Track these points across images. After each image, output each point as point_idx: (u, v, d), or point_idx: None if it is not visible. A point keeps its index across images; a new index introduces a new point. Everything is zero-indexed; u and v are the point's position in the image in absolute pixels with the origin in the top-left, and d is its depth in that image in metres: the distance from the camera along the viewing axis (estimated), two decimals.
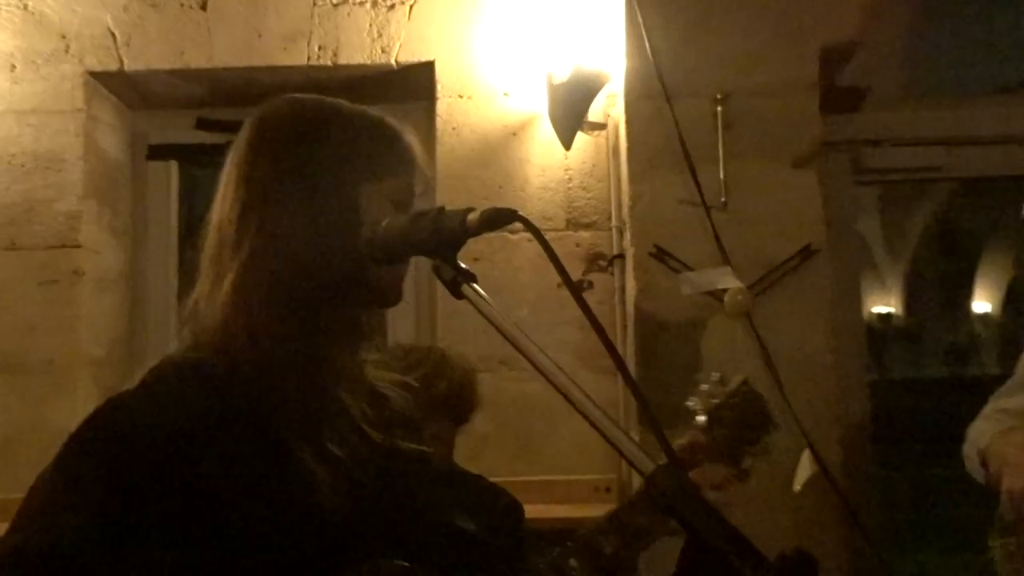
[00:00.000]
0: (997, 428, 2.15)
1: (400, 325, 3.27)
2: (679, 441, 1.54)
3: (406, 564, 1.25)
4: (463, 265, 1.10)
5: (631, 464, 0.86)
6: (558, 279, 2.99)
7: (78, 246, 3.06)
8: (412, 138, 1.37)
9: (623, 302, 2.93)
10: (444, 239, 1.10)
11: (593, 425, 0.89)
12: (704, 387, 1.59)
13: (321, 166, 1.28)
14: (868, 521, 2.89)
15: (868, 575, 2.92)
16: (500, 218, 1.07)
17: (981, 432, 2.18)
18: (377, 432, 1.32)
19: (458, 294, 1.08)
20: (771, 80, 2.83)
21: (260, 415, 1.22)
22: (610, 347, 1.00)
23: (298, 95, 1.40)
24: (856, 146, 3.06)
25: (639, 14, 2.82)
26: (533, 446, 2.98)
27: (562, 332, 2.88)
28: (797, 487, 2.71)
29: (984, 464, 2.14)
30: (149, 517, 1.14)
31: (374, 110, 1.39)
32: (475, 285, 1.08)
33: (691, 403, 1.59)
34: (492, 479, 2.13)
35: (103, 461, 1.17)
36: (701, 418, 1.56)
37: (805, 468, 2.76)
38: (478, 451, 2.65)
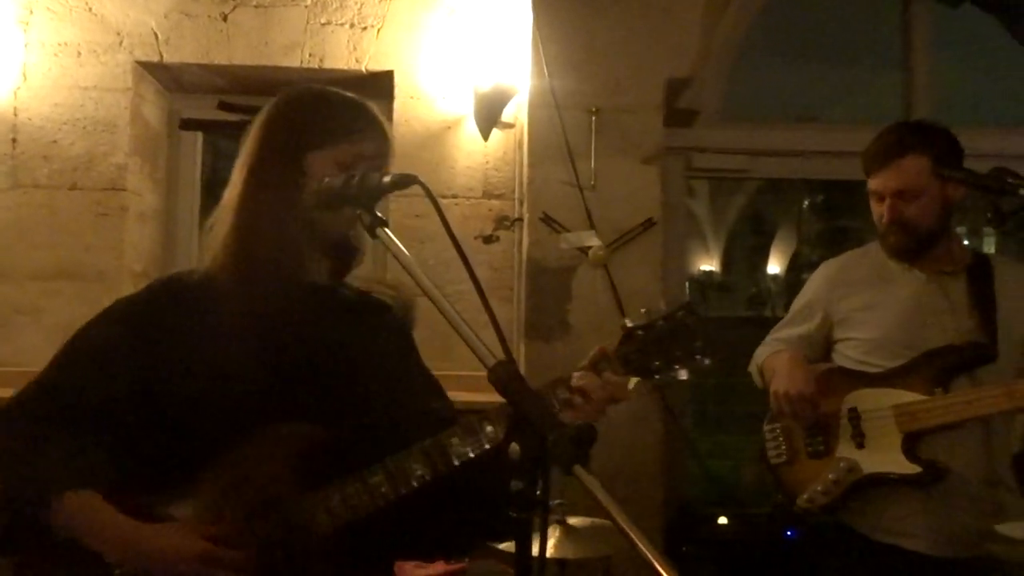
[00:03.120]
0: (771, 350, 2.20)
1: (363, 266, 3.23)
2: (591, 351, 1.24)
3: (306, 425, 1.18)
4: (379, 215, 1.08)
5: (479, 359, 0.87)
6: (476, 234, 3.01)
7: (125, 189, 2.94)
8: (361, 111, 1.27)
9: (521, 252, 2.92)
10: (366, 193, 1.08)
11: (456, 330, 0.89)
12: (644, 310, 1.26)
13: (278, 140, 1.24)
14: (682, 412, 2.96)
15: (678, 449, 3.01)
16: (404, 181, 1.06)
17: (760, 354, 2.24)
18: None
19: (374, 235, 1.06)
20: (630, 101, 2.82)
21: (205, 308, 1.21)
22: (476, 283, 0.99)
23: (294, 87, 1.33)
24: (688, 151, 3.07)
25: (541, 48, 2.78)
26: (451, 350, 2.97)
27: (477, 270, 2.85)
28: (630, 387, 2.77)
29: (761, 375, 2.20)
30: (121, 365, 1.21)
31: (341, 92, 1.29)
32: (387, 230, 1.07)
33: (628, 319, 1.25)
34: None
35: (98, 331, 1.27)
36: (628, 323, 1.24)
37: None
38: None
